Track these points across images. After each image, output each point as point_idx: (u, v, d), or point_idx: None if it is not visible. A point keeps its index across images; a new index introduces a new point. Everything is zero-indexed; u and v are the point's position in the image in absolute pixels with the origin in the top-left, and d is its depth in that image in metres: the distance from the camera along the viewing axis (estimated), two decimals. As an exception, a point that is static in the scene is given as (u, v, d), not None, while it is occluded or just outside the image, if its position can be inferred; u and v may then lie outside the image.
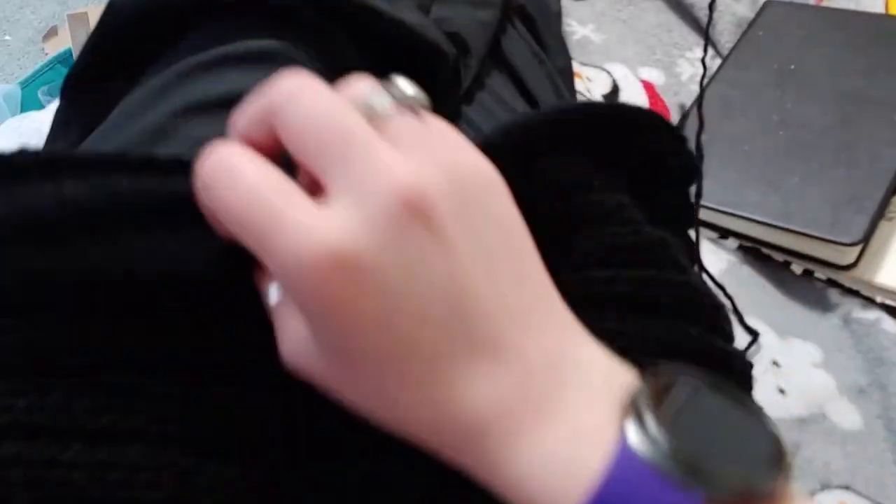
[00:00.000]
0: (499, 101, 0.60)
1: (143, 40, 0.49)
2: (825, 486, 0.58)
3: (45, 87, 1.45)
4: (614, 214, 0.40)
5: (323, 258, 0.24)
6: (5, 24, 1.97)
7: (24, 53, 1.89)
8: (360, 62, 0.49)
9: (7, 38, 1.93)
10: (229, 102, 0.43)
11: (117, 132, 0.44)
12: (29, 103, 1.44)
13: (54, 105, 0.83)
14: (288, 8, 0.46)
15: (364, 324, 0.25)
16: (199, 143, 0.41)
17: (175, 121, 0.42)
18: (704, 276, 0.69)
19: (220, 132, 0.42)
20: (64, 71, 1.52)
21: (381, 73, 0.49)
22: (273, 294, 0.29)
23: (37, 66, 1.53)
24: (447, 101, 0.55)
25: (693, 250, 0.51)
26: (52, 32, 1.90)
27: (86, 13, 1.54)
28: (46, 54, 1.81)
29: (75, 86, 0.53)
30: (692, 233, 0.51)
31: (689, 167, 0.47)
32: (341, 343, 0.25)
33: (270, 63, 0.45)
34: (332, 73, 0.47)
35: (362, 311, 0.25)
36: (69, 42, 1.56)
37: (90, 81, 0.52)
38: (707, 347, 0.42)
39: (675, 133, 0.45)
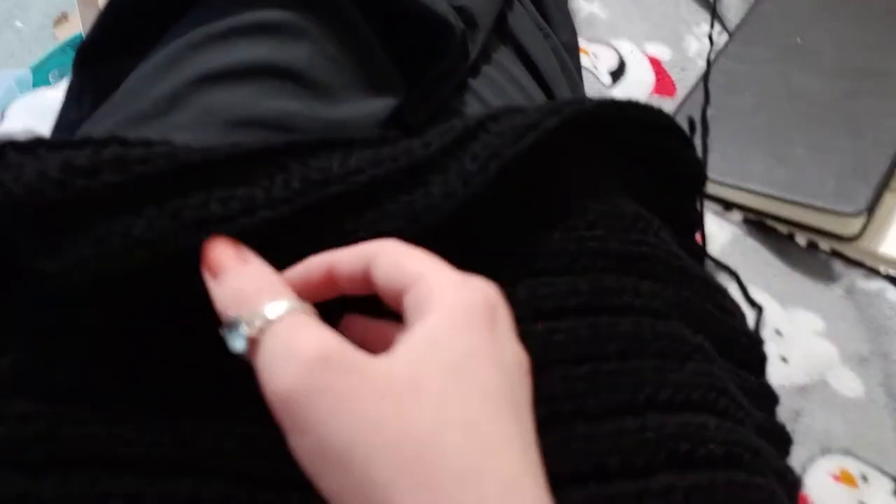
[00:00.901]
0: (505, 75, 0.61)
1: (153, 12, 0.50)
2: (826, 452, 0.59)
3: (56, 71, 1.47)
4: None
5: None
6: (17, 10, 1.98)
7: (35, 40, 1.90)
8: (368, 32, 0.49)
9: (18, 24, 1.95)
10: (240, 72, 0.44)
11: (131, 100, 0.45)
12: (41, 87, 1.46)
13: (64, 83, 0.85)
14: None
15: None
16: (212, 110, 0.42)
17: (189, 89, 0.43)
18: (708, 256, 0.70)
19: (232, 100, 0.43)
20: (74, 55, 1.53)
21: (389, 43, 0.51)
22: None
23: (47, 52, 1.55)
24: (454, 74, 0.56)
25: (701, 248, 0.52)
26: (62, 18, 1.91)
27: (96, -2, 1.56)
28: (57, 40, 1.83)
29: (87, 59, 0.54)
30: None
31: (699, 171, 0.48)
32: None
33: (278, 33, 0.46)
34: (341, 43, 0.48)
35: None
36: (80, 28, 1.57)
37: (101, 55, 0.53)
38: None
39: (684, 135, 0.46)
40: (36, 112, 0.76)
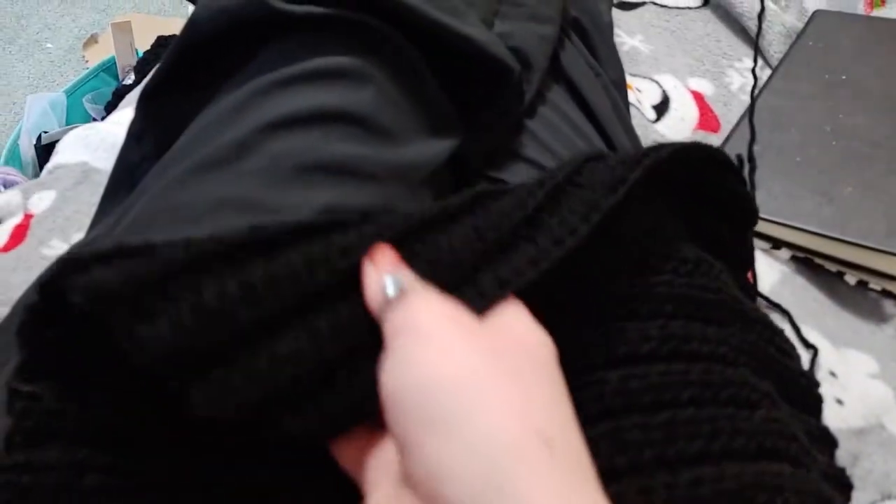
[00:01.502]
0: (560, 115, 0.61)
1: (219, 56, 0.51)
2: (885, 497, 0.58)
3: (89, 95, 1.49)
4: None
5: None
6: (46, 31, 2.01)
7: (64, 61, 1.94)
8: (428, 75, 0.50)
9: (49, 45, 1.98)
10: (306, 118, 0.44)
11: (198, 146, 0.45)
12: (74, 111, 1.48)
13: (116, 116, 0.85)
14: (358, 23, 0.47)
15: None
16: (280, 156, 0.43)
17: (257, 136, 0.43)
18: (759, 296, 0.70)
19: (299, 146, 0.43)
20: (108, 78, 1.55)
21: (448, 85, 0.51)
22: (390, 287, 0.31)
23: (81, 75, 1.56)
24: (511, 115, 0.57)
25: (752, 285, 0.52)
26: (91, 40, 1.94)
27: (128, 21, 1.57)
28: (87, 62, 1.86)
29: (151, 99, 0.54)
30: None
31: (752, 209, 0.48)
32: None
33: (343, 79, 0.46)
34: (403, 86, 0.48)
35: None
36: (110, 50, 1.60)
37: (166, 95, 0.54)
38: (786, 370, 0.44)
39: (739, 174, 0.46)
40: (91, 145, 0.76)
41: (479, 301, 0.31)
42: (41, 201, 0.74)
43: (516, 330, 0.30)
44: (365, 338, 0.30)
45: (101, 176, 0.70)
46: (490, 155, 0.57)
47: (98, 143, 0.75)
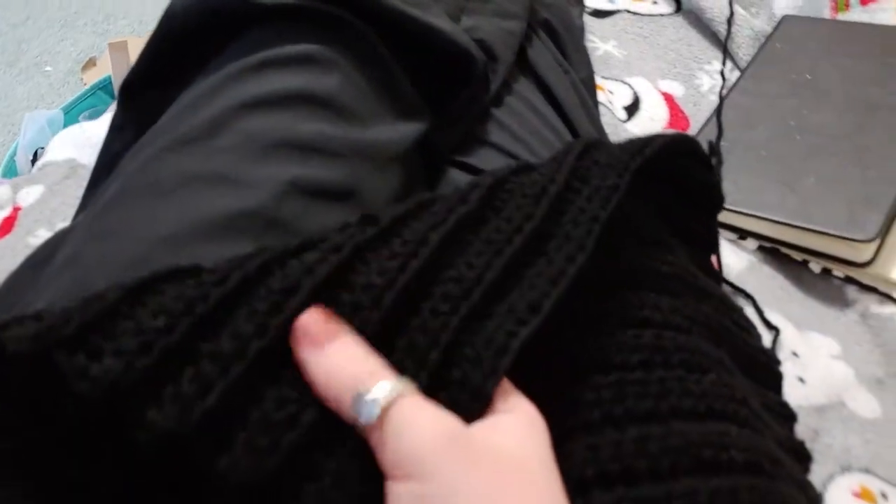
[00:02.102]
0: (527, 105, 0.63)
1: (194, 47, 0.53)
2: (845, 470, 0.60)
3: (86, 112, 1.51)
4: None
5: None
6: (46, 55, 2.05)
7: (63, 83, 1.97)
8: (394, 64, 0.52)
9: (48, 68, 2.01)
10: (276, 100, 0.47)
11: (173, 125, 0.48)
12: (70, 128, 1.50)
13: (105, 117, 0.88)
14: (326, 13, 0.50)
15: None
16: (251, 134, 0.45)
17: (229, 115, 0.46)
18: (724, 282, 0.71)
19: (270, 125, 0.46)
20: (104, 97, 1.58)
21: (415, 74, 0.53)
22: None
23: (77, 94, 1.59)
24: (477, 102, 0.59)
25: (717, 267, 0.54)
26: (90, 63, 1.97)
27: (125, 42, 1.61)
28: (85, 84, 1.88)
29: (132, 90, 0.57)
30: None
31: (718, 195, 0.50)
32: None
33: (310, 65, 0.49)
34: (368, 74, 0.51)
35: None
36: (107, 71, 1.63)
37: (145, 87, 0.56)
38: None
39: (707, 160, 0.48)
40: (78, 143, 0.79)
41: (480, 393, 0.30)
42: (29, 195, 0.77)
43: (512, 441, 0.29)
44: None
45: (87, 171, 0.72)
46: (460, 143, 0.59)
47: (85, 142, 0.78)
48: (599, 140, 0.43)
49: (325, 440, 0.29)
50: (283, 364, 0.29)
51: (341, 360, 0.29)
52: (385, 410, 0.28)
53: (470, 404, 0.30)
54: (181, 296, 0.29)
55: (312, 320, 0.30)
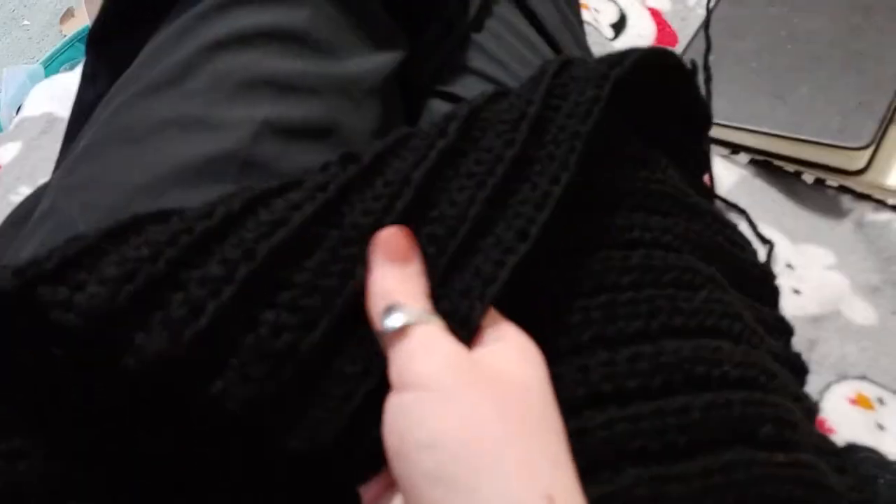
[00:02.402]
0: (508, 28, 0.62)
1: None
2: (842, 378, 0.60)
3: (67, 65, 1.49)
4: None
5: None
6: (23, 9, 2.01)
7: (43, 37, 1.93)
8: None
9: (26, 22, 1.97)
10: (246, 37, 0.45)
11: (145, 71, 0.47)
12: (52, 82, 1.48)
13: (78, 68, 0.86)
14: None
15: None
16: (223, 74, 0.44)
17: (199, 56, 0.45)
18: (716, 198, 0.71)
19: (240, 63, 0.44)
20: (82, 48, 1.55)
21: (387, 1, 0.52)
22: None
23: (56, 46, 1.57)
24: (455, 27, 0.57)
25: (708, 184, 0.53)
26: (68, 14, 1.93)
27: (101, -9, 1.57)
28: (64, 36, 1.85)
29: (98, 39, 0.56)
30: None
31: (704, 111, 0.49)
32: None
33: (277, 0, 0.47)
34: (341, 4, 0.49)
35: None
36: (86, 21, 1.60)
37: (112, 34, 0.55)
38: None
39: (692, 77, 0.46)
40: (55, 96, 0.78)
41: (466, 321, 0.30)
42: (8, 152, 0.76)
43: (510, 366, 0.29)
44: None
45: (65, 124, 0.72)
46: (438, 69, 0.58)
47: (61, 94, 0.77)
48: (576, 57, 0.42)
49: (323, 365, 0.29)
50: (278, 289, 0.29)
51: (403, 276, 0.31)
52: (409, 327, 0.29)
53: (459, 333, 0.30)
54: (165, 230, 0.29)
55: (395, 235, 0.31)
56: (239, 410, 0.27)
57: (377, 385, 0.29)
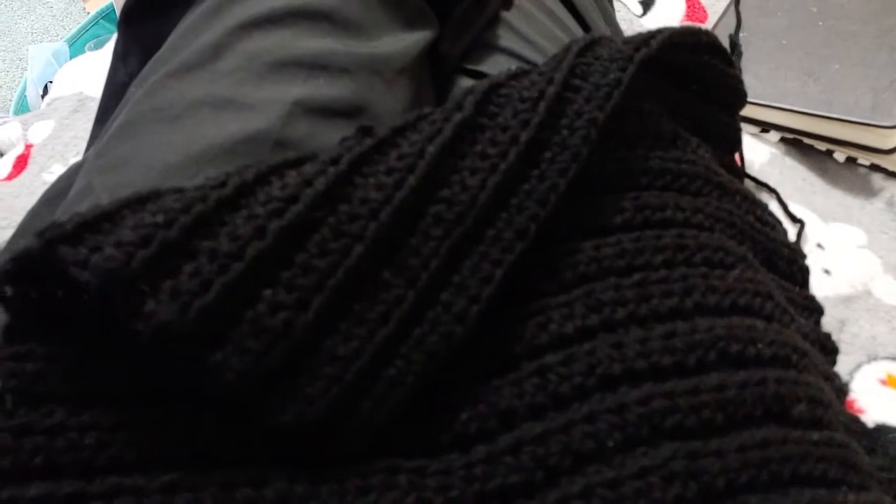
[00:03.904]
0: (538, 6, 0.61)
1: None
2: (872, 358, 0.60)
3: (91, 43, 1.50)
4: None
5: None
6: (46, -13, 2.01)
7: (66, 14, 1.94)
8: None
9: (49, 0, 1.98)
10: (276, 17, 0.45)
11: (176, 53, 0.47)
12: (77, 60, 1.49)
13: (110, 45, 0.87)
14: None
15: None
16: (254, 55, 0.44)
17: (230, 37, 0.45)
18: (747, 177, 0.70)
19: (271, 44, 0.45)
20: (107, 25, 1.56)
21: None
22: None
23: (80, 24, 1.57)
24: (486, 7, 0.57)
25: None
26: (91, -10, 1.93)
27: (124, -33, 1.57)
28: (87, 13, 1.86)
29: (131, 19, 0.56)
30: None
31: (740, 90, 0.48)
32: None
33: None
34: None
35: None
36: (109, -1, 1.60)
37: (144, 13, 0.55)
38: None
39: (727, 55, 0.46)
40: (85, 75, 0.78)
41: (462, 319, 0.31)
42: (40, 131, 0.77)
43: None
44: None
45: (96, 103, 0.73)
46: (468, 48, 0.58)
47: (92, 73, 0.77)
48: (604, 36, 0.42)
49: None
50: (280, 267, 0.29)
51: None
52: None
53: (455, 329, 0.31)
54: (180, 198, 0.29)
55: None
56: (236, 382, 0.27)
57: (368, 364, 0.29)
